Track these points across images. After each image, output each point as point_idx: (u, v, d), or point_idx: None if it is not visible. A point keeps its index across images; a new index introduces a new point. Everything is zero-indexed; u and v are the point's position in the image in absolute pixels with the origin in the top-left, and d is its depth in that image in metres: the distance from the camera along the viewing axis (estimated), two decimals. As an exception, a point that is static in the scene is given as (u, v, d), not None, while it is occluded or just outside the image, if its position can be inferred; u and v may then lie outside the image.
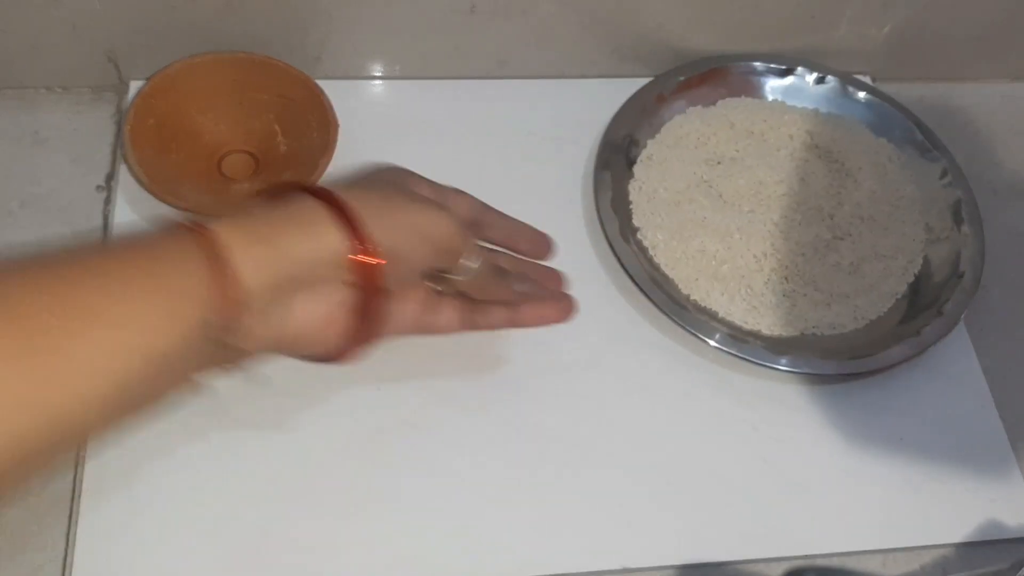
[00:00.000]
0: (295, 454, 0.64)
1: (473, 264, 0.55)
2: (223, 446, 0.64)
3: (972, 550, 0.67)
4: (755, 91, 0.84)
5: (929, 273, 0.76)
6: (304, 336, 0.50)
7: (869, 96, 0.83)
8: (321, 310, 0.49)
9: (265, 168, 0.75)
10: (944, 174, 0.79)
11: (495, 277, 0.58)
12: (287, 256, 0.46)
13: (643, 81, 0.82)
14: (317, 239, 0.47)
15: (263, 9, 0.74)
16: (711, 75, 0.83)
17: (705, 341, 0.69)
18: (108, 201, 0.73)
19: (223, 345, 0.44)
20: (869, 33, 0.84)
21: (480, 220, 0.61)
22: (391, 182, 0.56)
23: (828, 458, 0.68)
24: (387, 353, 0.68)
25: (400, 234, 0.51)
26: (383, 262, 0.49)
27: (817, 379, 0.71)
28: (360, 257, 0.48)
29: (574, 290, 0.72)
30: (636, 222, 0.76)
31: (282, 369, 0.67)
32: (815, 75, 0.84)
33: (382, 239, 0.49)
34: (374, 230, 0.49)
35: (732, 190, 0.77)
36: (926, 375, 0.73)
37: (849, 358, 0.70)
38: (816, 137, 0.81)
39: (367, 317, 0.51)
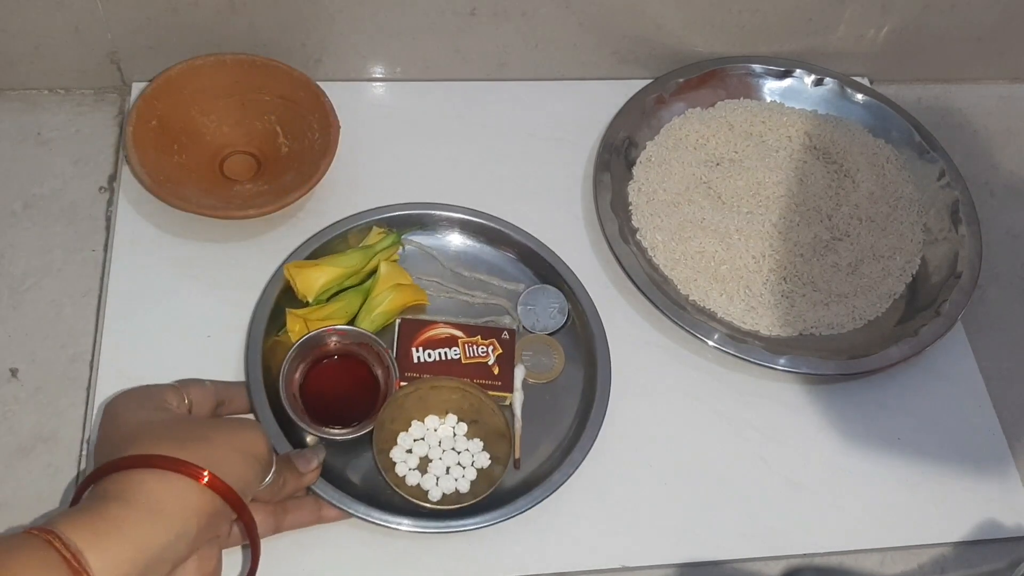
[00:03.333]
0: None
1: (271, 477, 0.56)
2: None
3: (969, 549, 0.67)
4: (754, 93, 0.84)
5: (927, 273, 0.77)
6: None
7: (867, 98, 0.83)
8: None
9: (267, 169, 0.76)
10: (942, 175, 0.80)
11: (292, 479, 0.59)
12: (142, 546, 0.46)
13: (642, 83, 0.83)
14: (168, 516, 0.47)
15: (265, 11, 0.75)
16: (710, 77, 0.83)
17: (704, 341, 0.69)
18: (110, 202, 0.74)
19: None
20: (867, 35, 0.85)
21: (223, 398, 0.61)
22: (168, 415, 0.55)
23: (826, 457, 0.69)
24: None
25: (237, 463, 0.51)
26: (238, 496, 0.50)
27: (815, 379, 0.71)
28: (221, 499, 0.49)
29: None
30: (635, 223, 0.76)
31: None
32: (813, 77, 0.84)
33: (228, 473, 0.50)
34: (216, 470, 0.49)
35: (731, 191, 0.78)
36: (924, 375, 0.73)
37: (847, 358, 0.70)
38: (814, 138, 0.82)
39: (251, 541, 0.53)
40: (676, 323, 0.70)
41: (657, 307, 0.70)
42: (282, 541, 0.60)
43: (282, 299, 0.68)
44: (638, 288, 0.71)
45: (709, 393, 0.70)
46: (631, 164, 0.79)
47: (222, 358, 0.67)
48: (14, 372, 0.66)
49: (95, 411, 0.64)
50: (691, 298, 0.73)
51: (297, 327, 0.66)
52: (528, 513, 0.63)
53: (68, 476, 0.62)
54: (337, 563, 0.61)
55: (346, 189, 0.75)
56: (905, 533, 0.67)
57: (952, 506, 0.68)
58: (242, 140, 0.76)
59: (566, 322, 0.71)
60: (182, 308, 0.69)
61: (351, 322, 0.68)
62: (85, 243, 0.72)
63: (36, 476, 0.62)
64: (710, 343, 0.69)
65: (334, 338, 0.65)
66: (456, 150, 0.79)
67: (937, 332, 0.72)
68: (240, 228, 0.73)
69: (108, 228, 0.72)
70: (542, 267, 0.73)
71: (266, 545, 0.55)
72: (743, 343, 0.70)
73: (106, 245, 0.72)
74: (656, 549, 0.64)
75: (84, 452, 0.63)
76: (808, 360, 0.70)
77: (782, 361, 0.69)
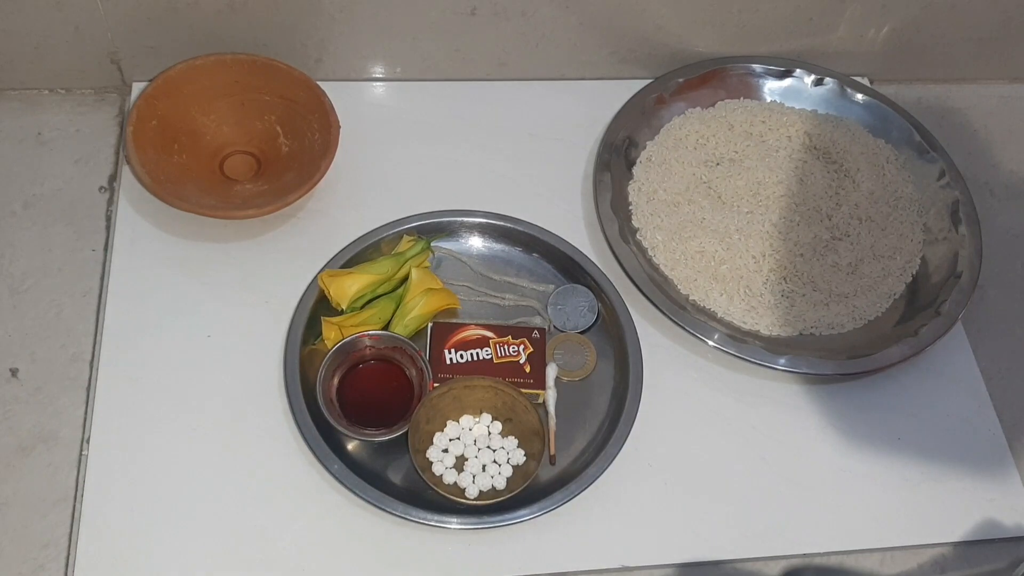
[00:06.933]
0: (295, 454, 0.64)
1: None
2: (223, 446, 0.64)
3: (969, 549, 0.67)
4: (754, 93, 0.84)
5: (927, 273, 0.77)
6: None
7: (867, 97, 0.83)
8: None
9: (267, 169, 0.76)
10: (942, 175, 0.80)
11: None
12: None
13: (642, 83, 0.83)
14: None
15: (265, 11, 0.75)
16: (710, 77, 0.83)
17: (704, 341, 0.69)
18: (111, 202, 0.74)
19: None
20: (867, 35, 0.85)
21: None
22: None
23: (826, 457, 0.69)
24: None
25: None
26: None
27: (815, 379, 0.71)
28: None
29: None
30: (636, 223, 0.76)
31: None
32: (813, 77, 0.84)
33: None
34: None
35: (731, 191, 0.78)
36: (924, 375, 0.73)
37: (847, 358, 0.70)
38: (815, 138, 0.82)
39: None
40: (676, 323, 0.70)
41: (657, 307, 0.70)
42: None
43: (317, 308, 0.69)
44: (638, 288, 0.71)
45: (709, 393, 0.70)
46: (631, 164, 0.79)
47: (222, 357, 0.67)
48: (14, 372, 0.66)
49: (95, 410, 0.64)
50: (691, 298, 0.73)
51: (332, 334, 0.67)
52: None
53: (68, 476, 0.62)
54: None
55: (346, 189, 0.75)
56: (905, 533, 0.67)
57: (952, 506, 0.68)
58: (242, 140, 0.76)
59: (596, 320, 0.71)
60: (182, 308, 0.69)
61: (385, 328, 0.68)
62: (85, 243, 0.72)
63: (36, 476, 0.62)
64: (710, 343, 0.69)
65: (367, 343, 0.66)
66: (456, 150, 0.79)
67: (937, 332, 0.72)
68: (240, 228, 0.73)
69: (108, 228, 0.72)
70: (569, 266, 0.74)
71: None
72: (743, 343, 0.70)
73: (106, 245, 0.72)
74: (656, 549, 0.64)
75: (87, 451, 0.63)
76: (808, 360, 0.70)
77: (782, 361, 0.69)
